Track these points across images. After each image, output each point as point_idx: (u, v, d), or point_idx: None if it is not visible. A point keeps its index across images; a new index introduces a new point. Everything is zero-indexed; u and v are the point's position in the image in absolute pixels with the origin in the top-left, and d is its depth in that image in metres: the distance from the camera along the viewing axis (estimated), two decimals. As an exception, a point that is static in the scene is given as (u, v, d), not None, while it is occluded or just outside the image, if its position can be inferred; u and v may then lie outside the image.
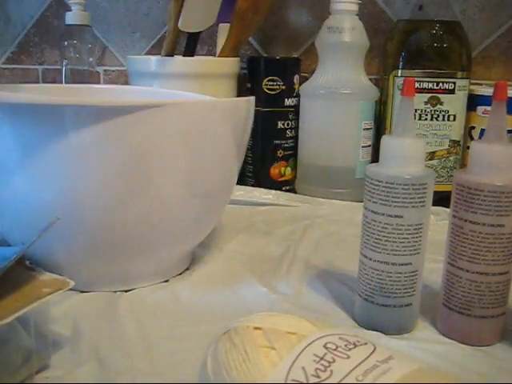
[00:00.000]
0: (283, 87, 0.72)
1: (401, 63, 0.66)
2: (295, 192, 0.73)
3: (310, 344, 0.27)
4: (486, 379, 0.33)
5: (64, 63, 0.79)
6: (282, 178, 0.74)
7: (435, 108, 0.66)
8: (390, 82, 0.67)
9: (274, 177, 0.74)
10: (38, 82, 0.94)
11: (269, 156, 0.74)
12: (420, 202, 0.35)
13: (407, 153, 0.35)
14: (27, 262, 0.33)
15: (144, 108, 0.37)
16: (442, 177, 0.68)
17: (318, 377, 0.25)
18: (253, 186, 0.72)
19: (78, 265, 0.42)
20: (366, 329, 0.38)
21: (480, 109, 0.67)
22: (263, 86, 0.71)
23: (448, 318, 0.37)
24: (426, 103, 0.66)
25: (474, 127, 0.68)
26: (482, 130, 0.67)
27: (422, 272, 0.38)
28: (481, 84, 0.73)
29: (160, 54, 0.70)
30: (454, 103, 0.66)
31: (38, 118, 0.36)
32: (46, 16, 0.92)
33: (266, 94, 0.71)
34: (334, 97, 0.68)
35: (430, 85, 0.65)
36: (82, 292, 0.42)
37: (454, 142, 0.67)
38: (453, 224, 0.36)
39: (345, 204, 0.67)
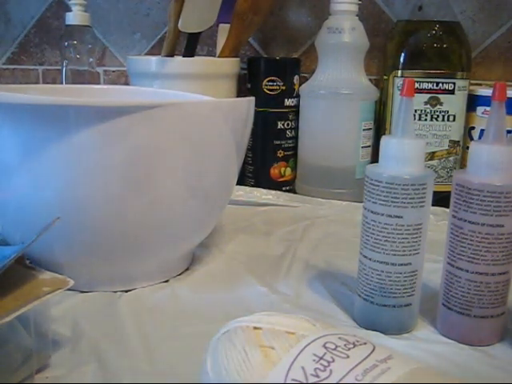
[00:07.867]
0: (283, 87, 0.72)
1: (401, 63, 0.66)
2: (295, 192, 0.73)
3: (309, 344, 0.27)
4: (486, 379, 0.33)
5: (64, 64, 0.79)
6: (282, 179, 0.74)
7: (435, 108, 0.66)
8: (389, 83, 0.67)
9: (274, 177, 0.74)
10: (38, 83, 0.94)
11: (269, 156, 0.74)
12: (419, 202, 0.35)
13: (407, 153, 0.35)
14: (27, 261, 0.33)
15: (144, 108, 0.37)
16: (442, 177, 0.68)
17: (318, 376, 0.25)
18: (253, 186, 0.72)
19: (79, 265, 0.42)
20: (366, 329, 0.38)
21: (480, 109, 0.67)
22: (263, 87, 0.72)
23: (447, 318, 0.37)
24: (425, 103, 0.66)
25: (473, 127, 0.68)
26: (482, 131, 0.67)
27: (422, 272, 0.38)
28: (480, 84, 0.73)
29: (160, 55, 0.70)
30: (454, 103, 0.66)
31: (38, 119, 0.36)
32: (46, 16, 0.92)
33: (265, 95, 0.71)
34: (333, 97, 0.68)
35: (430, 85, 0.65)
36: (83, 292, 0.42)
37: (454, 143, 0.67)
38: (452, 224, 0.36)
39: (345, 204, 0.67)
